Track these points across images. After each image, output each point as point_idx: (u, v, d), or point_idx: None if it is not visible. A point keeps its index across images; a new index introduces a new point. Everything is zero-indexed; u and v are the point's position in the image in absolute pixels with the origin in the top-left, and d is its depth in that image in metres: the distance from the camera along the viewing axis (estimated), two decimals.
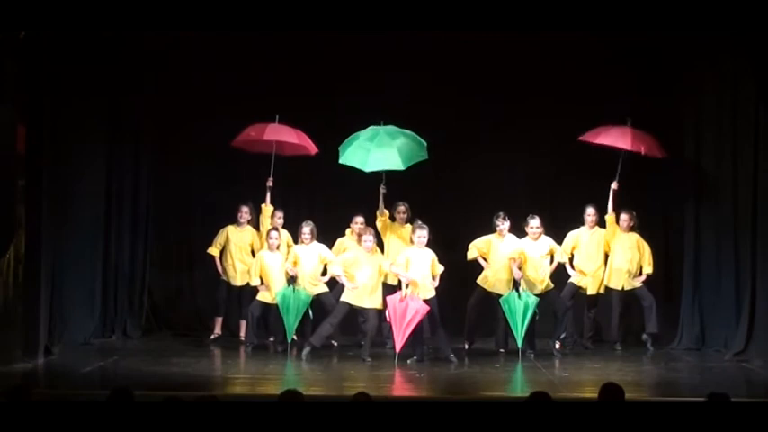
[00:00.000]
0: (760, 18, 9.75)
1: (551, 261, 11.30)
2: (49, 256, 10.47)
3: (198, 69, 12.42)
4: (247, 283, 11.64)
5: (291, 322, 11.01)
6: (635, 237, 11.70)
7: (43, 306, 10.32)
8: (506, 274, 11.26)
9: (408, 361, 10.52)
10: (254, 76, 12.41)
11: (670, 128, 12.03)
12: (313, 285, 11.24)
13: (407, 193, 11.63)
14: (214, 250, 11.95)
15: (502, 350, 11.19)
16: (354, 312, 11.04)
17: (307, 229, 11.28)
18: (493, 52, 12.02)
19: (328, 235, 11.60)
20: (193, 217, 12.83)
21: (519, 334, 10.85)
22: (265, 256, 11.39)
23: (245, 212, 11.93)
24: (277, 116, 11.69)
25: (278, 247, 11.45)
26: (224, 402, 5.82)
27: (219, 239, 11.95)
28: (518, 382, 9.95)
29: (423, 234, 10.78)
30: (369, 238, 10.99)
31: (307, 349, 10.80)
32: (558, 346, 11.35)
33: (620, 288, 11.67)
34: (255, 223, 11.97)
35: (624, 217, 11.66)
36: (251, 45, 12.01)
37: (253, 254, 11.79)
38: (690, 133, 11.88)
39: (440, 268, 10.82)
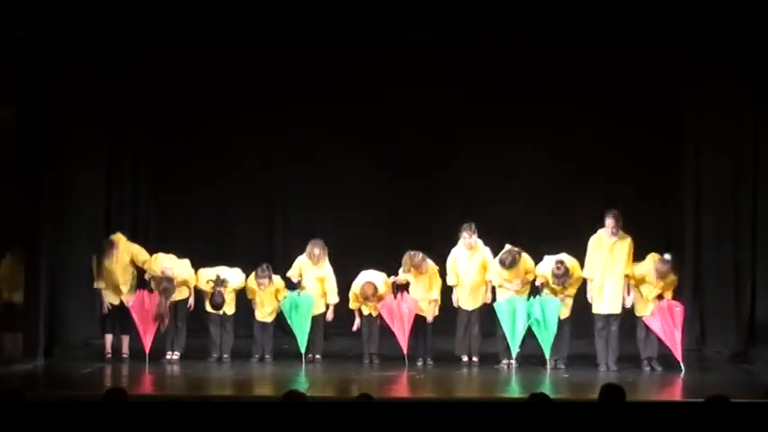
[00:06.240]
0: (759, 18, 9.76)
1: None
2: (49, 256, 10.47)
3: (200, 71, 12.40)
4: (121, 302, 10.64)
5: (301, 329, 10.58)
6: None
7: (43, 306, 10.32)
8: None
9: (418, 362, 10.51)
10: (258, 79, 12.38)
11: (670, 127, 12.03)
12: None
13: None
14: (101, 283, 10.62)
15: (505, 361, 10.46)
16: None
17: (317, 249, 10.66)
18: (492, 52, 12.02)
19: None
20: (192, 217, 12.81)
21: (514, 342, 10.29)
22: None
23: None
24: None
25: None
26: (223, 403, 5.82)
27: (101, 270, 10.59)
28: (518, 383, 9.94)
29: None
30: None
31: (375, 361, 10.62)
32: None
33: None
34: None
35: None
36: (253, 46, 11.97)
37: (135, 267, 10.73)
38: (690, 133, 11.87)
39: (437, 287, 10.49)
